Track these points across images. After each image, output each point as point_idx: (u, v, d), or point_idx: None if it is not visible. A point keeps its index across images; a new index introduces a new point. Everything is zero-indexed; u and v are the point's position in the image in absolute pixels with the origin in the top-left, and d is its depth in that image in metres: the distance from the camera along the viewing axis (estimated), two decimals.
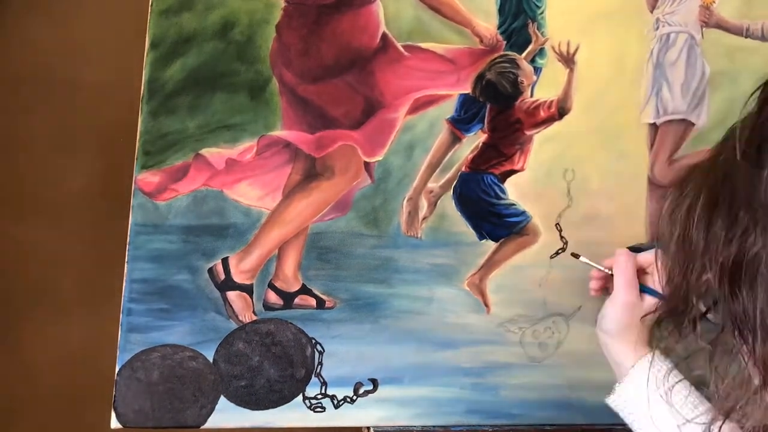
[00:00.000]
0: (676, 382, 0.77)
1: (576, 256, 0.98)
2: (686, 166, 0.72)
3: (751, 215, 0.59)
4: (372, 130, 1.05)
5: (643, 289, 0.88)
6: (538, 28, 1.10)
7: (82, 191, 1.23)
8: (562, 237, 1.08)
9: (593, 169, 1.09)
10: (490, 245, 1.07)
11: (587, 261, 0.96)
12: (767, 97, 0.62)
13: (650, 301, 0.87)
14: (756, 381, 0.61)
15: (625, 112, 1.11)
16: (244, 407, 0.99)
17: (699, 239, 0.63)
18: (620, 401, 0.84)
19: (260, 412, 0.99)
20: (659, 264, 0.78)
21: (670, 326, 0.74)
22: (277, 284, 1.02)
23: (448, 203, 1.07)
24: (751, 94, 0.63)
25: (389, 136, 1.06)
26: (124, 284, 0.98)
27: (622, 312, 0.86)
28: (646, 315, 0.84)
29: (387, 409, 1.02)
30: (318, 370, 1.01)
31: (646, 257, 0.90)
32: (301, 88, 1.04)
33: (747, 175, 0.59)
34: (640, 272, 0.90)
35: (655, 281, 0.87)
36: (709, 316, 0.68)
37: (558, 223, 1.08)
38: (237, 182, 1.02)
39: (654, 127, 1.11)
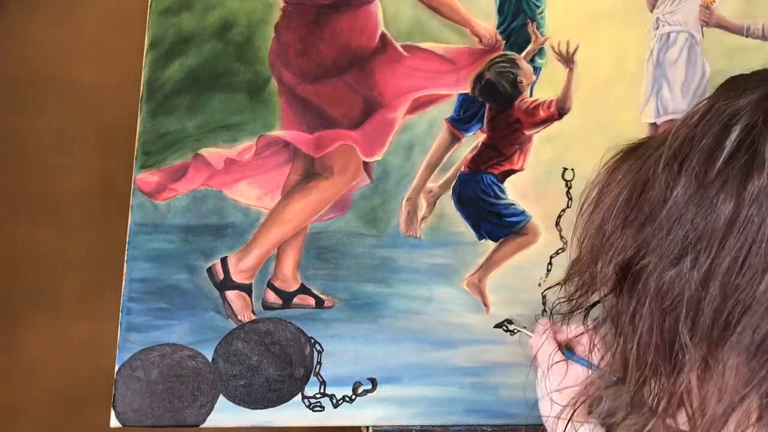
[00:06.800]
0: None
1: (511, 331, 1.03)
2: (629, 145, 0.68)
3: (651, 229, 0.57)
4: (371, 130, 1.05)
5: (572, 358, 0.83)
6: (537, 28, 1.10)
7: (82, 191, 1.23)
8: (562, 237, 1.07)
9: (593, 169, 1.09)
10: (490, 245, 1.07)
11: (520, 329, 1.00)
12: (707, 108, 0.57)
13: (577, 370, 0.80)
14: (618, 373, 0.63)
15: (625, 112, 1.11)
16: (243, 406, 0.99)
17: (611, 231, 0.62)
18: None
19: (259, 411, 0.99)
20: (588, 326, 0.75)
21: (564, 305, 0.74)
22: (276, 284, 1.02)
23: (447, 203, 1.07)
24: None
25: (388, 136, 1.06)
26: (123, 283, 0.99)
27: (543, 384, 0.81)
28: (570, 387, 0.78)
29: (386, 409, 1.02)
30: (317, 370, 1.01)
31: (576, 330, 0.84)
32: (300, 88, 1.04)
33: (662, 188, 0.57)
34: (573, 342, 0.85)
35: (585, 351, 0.81)
36: (599, 305, 0.68)
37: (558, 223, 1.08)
38: (236, 182, 1.02)
39: (654, 127, 1.11)
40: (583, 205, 0.69)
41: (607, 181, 0.66)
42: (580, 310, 0.71)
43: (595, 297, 0.67)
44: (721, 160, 0.53)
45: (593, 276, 0.65)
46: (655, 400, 0.59)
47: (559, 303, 0.75)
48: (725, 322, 0.53)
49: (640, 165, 0.62)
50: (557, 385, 0.79)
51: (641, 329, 0.58)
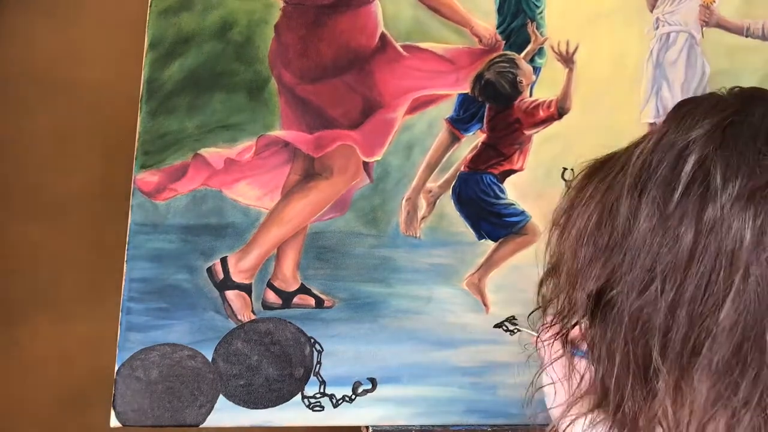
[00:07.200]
0: None
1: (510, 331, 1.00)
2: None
3: (620, 257, 0.57)
4: (371, 130, 1.05)
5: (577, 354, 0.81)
6: (537, 28, 1.10)
7: (82, 191, 1.23)
8: None
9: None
10: (489, 245, 1.07)
11: (522, 329, 0.99)
12: (660, 137, 0.59)
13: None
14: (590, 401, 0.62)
15: (625, 112, 1.11)
16: (243, 406, 0.99)
17: (584, 258, 0.61)
18: None
19: (259, 411, 0.99)
20: None
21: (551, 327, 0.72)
22: (276, 284, 1.02)
23: (447, 203, 1.07)
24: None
25: (388, 136, 1.06)
26: (123, 283, 0.99)
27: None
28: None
29: (386, 409, 1.02)
30: (317, 369, 1.01)
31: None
32: (299, 88, 1.04)
33: (626, 217, 0.57)
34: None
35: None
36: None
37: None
38: (236, 182, 1.03)
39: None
40: (558, 222, 0.68)
41: (577, 200, 0.66)
42: (560, 334, 0.70)
43: (574, 320, 0.67)
44: (678, 192, 0.55)
45: (571, 302, 0.65)
46: (633, 420, 0.60)
47: (542, 329, 0.74)
48: (693, 347, 0.54)
49: (605, 187, 0.62)
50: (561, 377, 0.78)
51: (617, 357, 0.58)
